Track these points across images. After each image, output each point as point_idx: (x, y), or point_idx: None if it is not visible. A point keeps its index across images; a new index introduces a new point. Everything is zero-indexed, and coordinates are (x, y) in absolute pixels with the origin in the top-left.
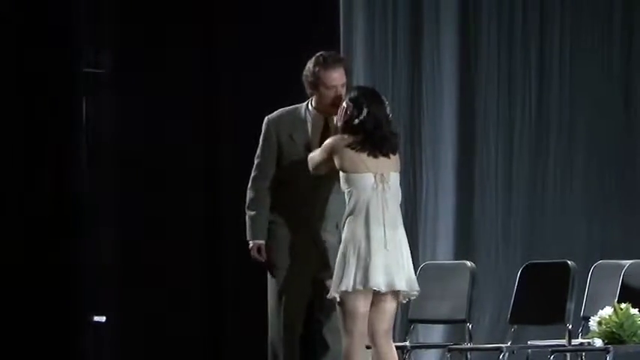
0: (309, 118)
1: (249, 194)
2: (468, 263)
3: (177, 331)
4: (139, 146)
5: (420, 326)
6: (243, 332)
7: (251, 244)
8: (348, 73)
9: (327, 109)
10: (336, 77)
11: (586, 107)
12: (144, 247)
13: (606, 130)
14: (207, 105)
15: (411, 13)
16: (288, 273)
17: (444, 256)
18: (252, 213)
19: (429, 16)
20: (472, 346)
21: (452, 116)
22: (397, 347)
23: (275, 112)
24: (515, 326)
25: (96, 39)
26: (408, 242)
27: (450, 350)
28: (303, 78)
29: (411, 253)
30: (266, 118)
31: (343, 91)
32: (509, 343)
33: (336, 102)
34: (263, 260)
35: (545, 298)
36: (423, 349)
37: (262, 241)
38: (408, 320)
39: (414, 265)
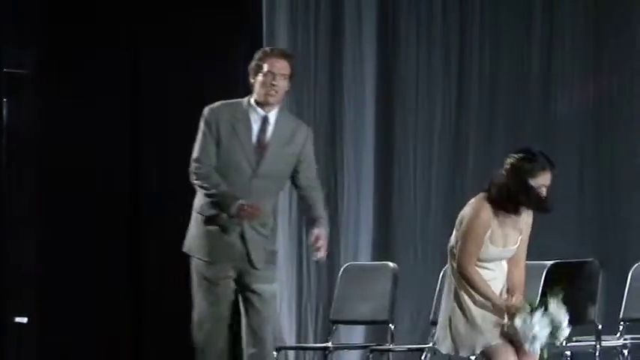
0: (251, 111)
1: (199, 182)
2: (390, 264)
3: (99, 332)
4: (61, 147)
5: (342, 327)
6: (163, 333)
7: (234, 210)
8: (293, 74)
9: (264, 97)
10: (277, 66)
11: (506, 107)
12: (66, 248)
13: (526, 131)
14: (132, 105)
15: (332, 16)
16: (212, 266)
17: (364, 257)
18: (214, 190)
19: (351, 16)
20: (394, 346)
21: (371, 117)
22: (319, 348)
23: (216, 103)
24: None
25: (19, 38)
26: (330, 244)
27: (372, 351)
28: (249, 69)
29: (333, 254)
30: (206, 107)
31: (284, 84)
32: (431, 344)
33: (272, 91)
34: (256, 212)
35: None
36: (345, 350)
37: (241, 201)
38: (330, 321)
39: (337, 267)
